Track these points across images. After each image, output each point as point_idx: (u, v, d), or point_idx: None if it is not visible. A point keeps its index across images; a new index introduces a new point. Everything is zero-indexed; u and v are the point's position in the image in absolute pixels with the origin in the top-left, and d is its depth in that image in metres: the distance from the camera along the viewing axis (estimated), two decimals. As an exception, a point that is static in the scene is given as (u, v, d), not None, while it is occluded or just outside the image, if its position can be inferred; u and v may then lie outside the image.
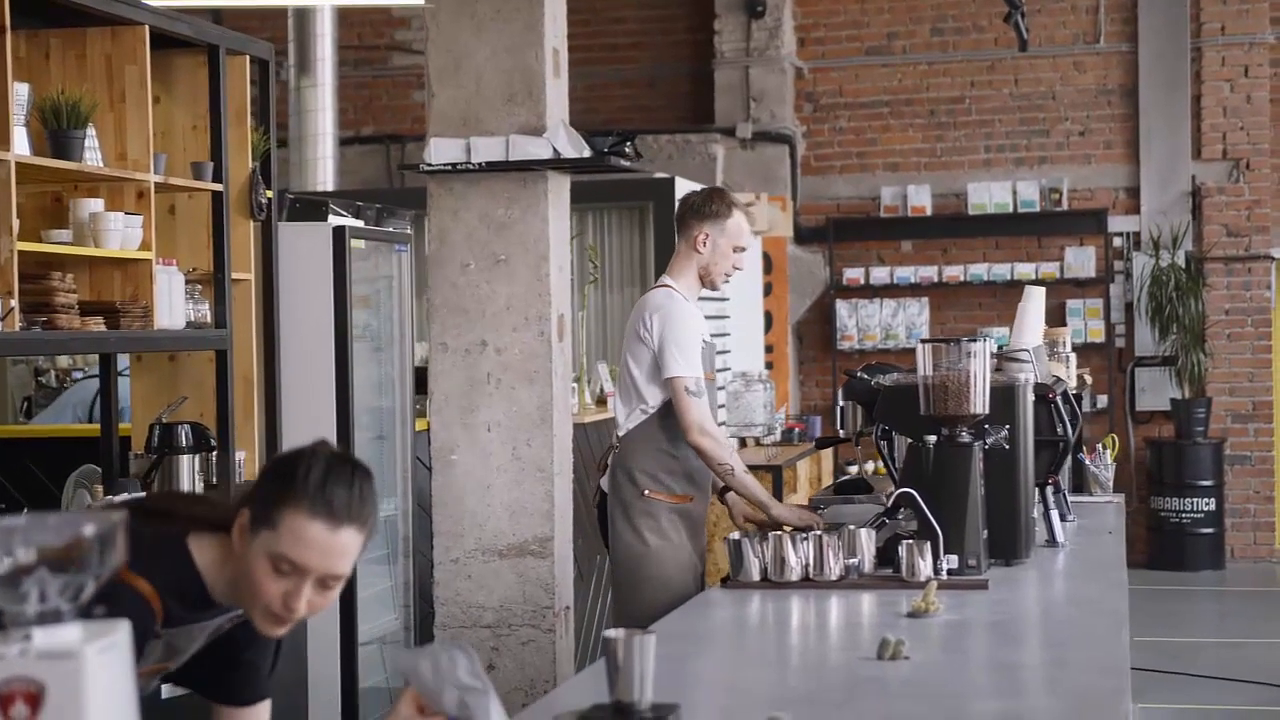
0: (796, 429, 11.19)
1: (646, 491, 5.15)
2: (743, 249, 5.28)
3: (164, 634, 2.57)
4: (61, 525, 1.81)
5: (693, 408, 5.04)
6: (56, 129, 4.84)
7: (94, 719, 1.74)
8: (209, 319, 5.58)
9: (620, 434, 5.26)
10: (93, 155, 4.98)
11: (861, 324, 12.72)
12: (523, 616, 5.52)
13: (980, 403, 4.33)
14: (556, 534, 5.81)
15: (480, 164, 5.81)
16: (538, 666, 5.48)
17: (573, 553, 6.06)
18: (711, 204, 5.27)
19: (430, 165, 5.86)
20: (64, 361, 8.60)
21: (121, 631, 1.80)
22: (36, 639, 1.76)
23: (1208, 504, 11.97)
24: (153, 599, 2.51)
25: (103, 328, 4.98)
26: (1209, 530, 12.00)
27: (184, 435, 5.46)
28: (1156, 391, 12.32)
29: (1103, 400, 12.33)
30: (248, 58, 5.86)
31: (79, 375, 8.42)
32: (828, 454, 11.13)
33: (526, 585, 5.53)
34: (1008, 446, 4.45)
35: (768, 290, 12.24)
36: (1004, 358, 5.18)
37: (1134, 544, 12.22)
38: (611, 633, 2.65)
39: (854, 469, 11.96)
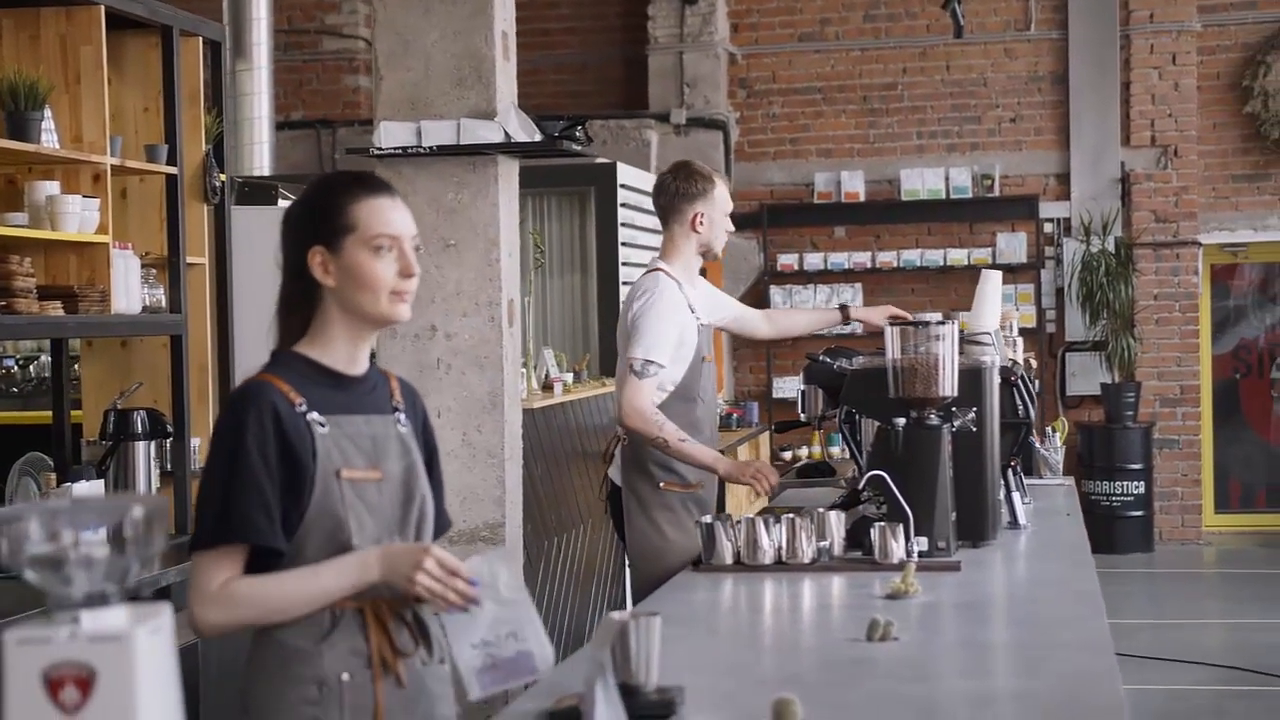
0: (735, 414, 11.23)
1: (662, 484, 5.10)
2: (730, 210, 5.46)
3: (327, 421, 2.78)
4: (107, 508, 1.79)
5: (629, 388, 4.99)
6: (14, 110, 4.76)
7: (144, 701, 1.73)
8: (164, 304, 5.51)
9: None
10: (49, 137, 4.91)
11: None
12: (473, 602, 5.49)
13: (949, 385, 4.35)
14: (508, 519, 5.79)
15: (431, 148, 5.76)
16: (488, 652, 5.45)
17: (522, 538, 6.03)
18: (696, 183, 5.32)
19: (380, 150, 5.81)
20: (28, 346, 8.42)
21: (165, 614, 1.79)
22: (84, 622, 1.74)
23: (1137, 487, 12.11)
24: (277, 381, 2.78)
25: (61, 312, 4.91)
26: (1138, 513, 12.15)
27: (140, 421, 5.37)
28: (1087, 376, 12.44)
29: (1035, 384, 12.42)
30: (200, 39, 5.79)
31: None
32: (764, 439, 11.18)
33: (477, 571, 5.49)
34: (975, 429, 4.48)
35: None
36: (966, 340, 5.21)
37: (1065, 527, 12.38)
38: (618, 615, 2.66)
39: (805, 452, 12.04)
